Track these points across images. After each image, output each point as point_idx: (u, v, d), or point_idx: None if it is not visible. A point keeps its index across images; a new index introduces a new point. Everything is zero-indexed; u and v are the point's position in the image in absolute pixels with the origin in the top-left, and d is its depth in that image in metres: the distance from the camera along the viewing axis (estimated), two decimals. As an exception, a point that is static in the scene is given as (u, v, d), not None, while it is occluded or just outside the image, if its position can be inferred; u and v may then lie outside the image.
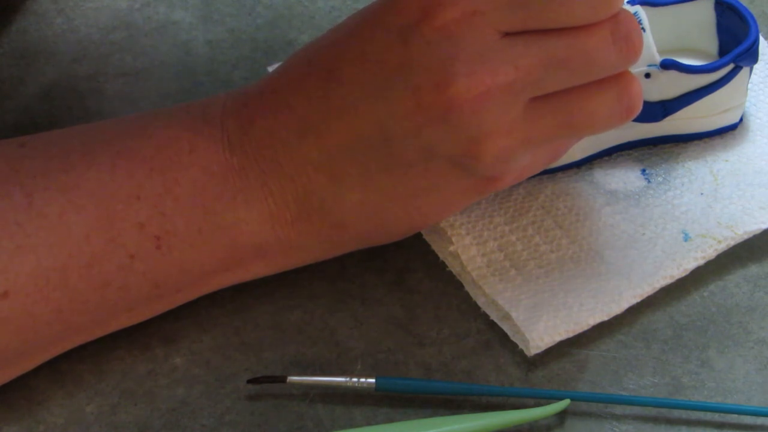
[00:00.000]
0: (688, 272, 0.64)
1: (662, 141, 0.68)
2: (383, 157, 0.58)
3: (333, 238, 0.61)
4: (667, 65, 0.65)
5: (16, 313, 0.56)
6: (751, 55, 0.66)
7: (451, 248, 0.64)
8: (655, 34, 0.65)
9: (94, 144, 0.59)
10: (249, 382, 0.60)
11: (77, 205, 0.57)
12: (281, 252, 0.60)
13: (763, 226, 0.65)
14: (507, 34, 0.55)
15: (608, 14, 0.55)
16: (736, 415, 0.60)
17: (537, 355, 0.61)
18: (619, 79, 0.57)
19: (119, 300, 0.58)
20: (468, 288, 0.63)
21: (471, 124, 0.56)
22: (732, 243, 0.64)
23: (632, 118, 0.58)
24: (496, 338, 0.62)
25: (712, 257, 0.64)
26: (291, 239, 0.60)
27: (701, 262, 0.64)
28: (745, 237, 0.65)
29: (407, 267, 0.65)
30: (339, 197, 0.59)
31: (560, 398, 0.59)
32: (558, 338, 0.61)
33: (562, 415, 0.60)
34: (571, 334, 0.61)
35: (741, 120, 0.69)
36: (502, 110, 0.56)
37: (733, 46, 0.67)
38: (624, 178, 0.67)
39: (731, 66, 0.66)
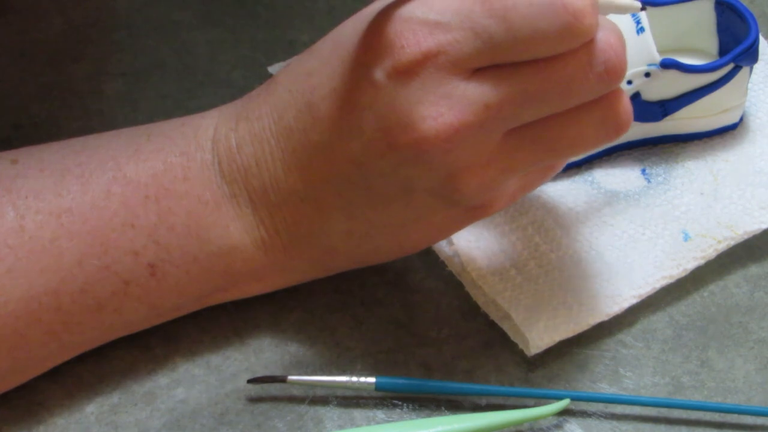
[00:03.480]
0: (688, 272, 0.64)
1: (662, 141, 0.68)
2: (364, 192, 0.57)
3: (326, 262, 0.60)
4: (667, 65, 0.65)
5: (8, 334, 0.56)
6: (751, 55, 0.66)
7: (451, 248, 0.64)
8: (655, 34, 0.65)
9: (89, 166, 0.58)
10: (249, 382, 0.60)
11: (70, 231, 0.56)
12: (276, 274, 0.60)
13: (763, 226, 0.65)
14: (477, 71, 0.53)
15: (582, 41, 0.52)
16: (736, 415, 0.60)
17: (537, 355, 0.61)
18: (604, 99, 0.54)
19: (115, 321, 0.58)
20: (468, 288, 0.63)
21: (444, 162, 0.54)
22: (732, 243, 0.64)
23: (621, 135, 0.55)
24: (496, 338, 0.62)
25: (712, 257, 0.64)
26: (284, 264, 0.60)
27: (701, 262, 0.64)
28: (745, 237, 0.65)
29: (407, 267, 0.65)
30: (326, 227, 0.58)
31: (560, 398, 0.59)
32: (558, 338, 0.61)
33: (562, 415, 0.60)
34: (571, 334, 0.61)
35: (741, 120, 0.69)
36: (475, 146, 0.54)
37: (733, 46, 0.67)
38: (624, 178, 0.67)
39: (731, 66, 0.66)
